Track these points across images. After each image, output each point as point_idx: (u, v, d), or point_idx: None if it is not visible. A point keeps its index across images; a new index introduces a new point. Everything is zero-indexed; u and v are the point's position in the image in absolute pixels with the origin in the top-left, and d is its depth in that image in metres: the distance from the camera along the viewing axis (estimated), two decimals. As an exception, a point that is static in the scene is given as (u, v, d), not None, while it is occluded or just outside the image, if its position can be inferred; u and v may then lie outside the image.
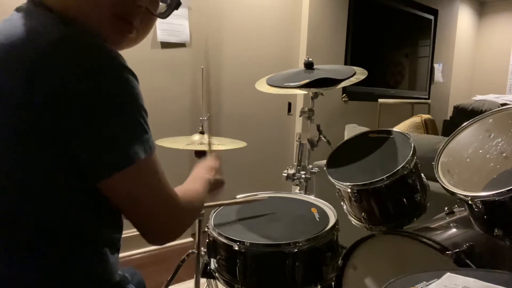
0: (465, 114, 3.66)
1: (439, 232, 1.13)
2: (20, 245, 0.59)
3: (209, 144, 1.14)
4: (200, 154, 1.30)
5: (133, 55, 0.81)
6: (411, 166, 1.16)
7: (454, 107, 3.91)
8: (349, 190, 1.20)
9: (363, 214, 1.22)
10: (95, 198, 0.60)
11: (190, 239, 2.60)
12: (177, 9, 0.72)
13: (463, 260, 0.96)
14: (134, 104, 0.57)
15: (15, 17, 0.60)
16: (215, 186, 0.91)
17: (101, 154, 0.56)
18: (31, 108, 0.52)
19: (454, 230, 1.15)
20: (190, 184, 0.80)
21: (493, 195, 0.87)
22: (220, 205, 1.24)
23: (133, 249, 2.38)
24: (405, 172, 1.15)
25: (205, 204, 1.16)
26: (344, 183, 1.19)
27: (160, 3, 0.71)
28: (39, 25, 0.57)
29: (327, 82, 1.45)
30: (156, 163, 0.61)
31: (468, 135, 1.09)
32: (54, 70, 0.52)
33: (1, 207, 0.57)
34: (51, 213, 0.58)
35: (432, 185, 1.24)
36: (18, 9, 0.62)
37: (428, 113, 2.87)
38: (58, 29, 0.55)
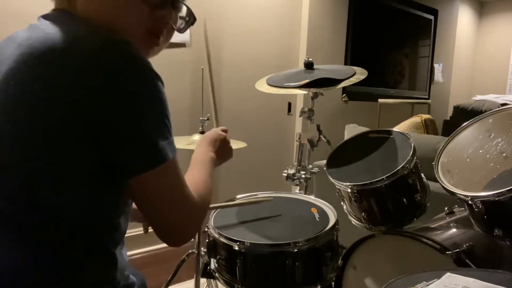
0: (465, 114, 3.66)
1: (439, 232, 1.13)
2: (33, 241, 0.60)
3: (215, 115, 1.15)
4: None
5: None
6: (411, 166, 1.16)
7: (454, 107, 3.92)
8: (349, 190, 1.20)
9: (363, 214, 1.22)
10: (116, 196, 0.65)
11: (190, 239, 2.60)
12: (193, 24, 0.80)
13: (463, 260, 0.96)
14: (164, 108, 0.62)
15: (46, 24, 0.63)
16: (223, 157, 0.93)
17: (136, 152, 0.60)
18: (75, 106, 0.56)
19: (454, 230, 1.15)
20: (197, 174, 0.80)
21: (493, 195, 0.87)
22: (225, 207, 1.24)
23: (133, 249, 2.38)
24: (405, 172, 1.15)
25: (212, 205, 1.16)
26: (344, 183, 1.19)
27: (179, 19, 0.78)
28: (79, 31, 0.61)
29: (327, 82, 1.45)
30: (178, 164, 0.65)
31: (468, 135, 1.09)
32: (99, 74, 0.57)
33: (19, 200, 0.59)
34: (70, 208, 0.60)
35: (432, 185, 1.24)
36: (45, 17, 0.66)
37: (428, 113, 2.87)
38: (101, 35, 0.60)
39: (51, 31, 0.61)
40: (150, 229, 0.91)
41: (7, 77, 0.59)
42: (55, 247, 0.61)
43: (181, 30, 0.78)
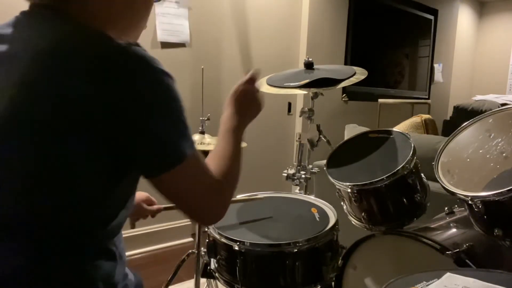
0: (465, 114, 3.66)
1: (439, 232, 1.13)
2: (35, 242, 0.60)
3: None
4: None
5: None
6: (411, 166, 1.16)
7: (454, 107, 3.92)
8: (349, 190, 1.20)
9: (363, 214, 1.22)
10: (123, 195, 0.66)
11: (190, 239, 2.60)
12: None
13: (463, 260, 0.96)
14: (180, 106, 0.63)
15: (40, 21, 0.62)
16: (251, 113, 0.88)
17: (155, 153, 0.60)
18: (90, 107, 0.56)
19: (454, 230, 1.15)
20: (224, 148, 0.80)
21: (493, 195, 0.87)
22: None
23: (133, 249, 2.37)
24: (405, 172, 1.15)
25: None
26: (344, 183, 1.19)
27: None
28: (85, 33, 0.60)
29: (327, 82, 1.45)
30: (198, 155, 0.66)
31: (468, 135, 1.09)
32: (113, 77, 0.57)
33: (25, 202, 0.58)
34: (76, 208, 0.60)
35: (432, 185, 1.24)
36: (34, 14, 0.64)
37: (428, 113, 2.87)
38: (112, 39, 0.59)
39: (54, 32, 0.60)
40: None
41: (14, 79, 0.58)
42: (58, 248, 0.61)
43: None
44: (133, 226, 1.06)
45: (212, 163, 0.72)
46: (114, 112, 0.56)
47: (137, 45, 0.61)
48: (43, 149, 0.57)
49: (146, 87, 0.59)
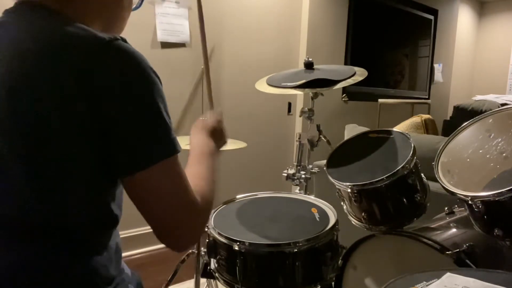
0: (465, 114, 3.66)
1: (439, 232, 1.13)
2: (31, 240, 0.60)
3: (210, 95, 1.06)
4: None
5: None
6: (411, 166, 1.16)
7: (454, 107, 3.91)
8: (349, 190, 1.20)
9: (363, 214, 1.22)
10: (113, 191, 0.64)
11: (190, 239, 2.60)
12: None
13: (463, 260, 0.96)
14: (164, 104, 0.61)
15: (31, 18, 0.61)
16: (220, 147, 0.90)
17: (131, 150, 0.58)
18: (75, 102, 0.55)
19: (454, 230, 1.15)
20: (199, 170, 0.75)
21: (493, 195, 0.87)
22: None
23: (133, 249, 2.37)
24: (405, 172, 1.15)
25: None
26: (344, 183, 1.19)
27: None
28: (73, 29, 0.59)
29: (325, 83, 1.45)
30: (179, 164, 0.62)
31: (468, 135, 1.09)
32: (99, 69, 0.56)
33: (20, 200, 0.59)
34: (70, 206, 0.60)
35: (432, 185, 1.24)
36: (21, 11, 0.63)
37: (428, 113, 2.87)
38: (96, 33, 0.59)
39: (38, 29, 0.59)
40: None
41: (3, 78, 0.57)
42: (52, 244, 0.60)
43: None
44: None
45: (190, 180, 0.66)
46: (99, 105, 0.56)
47: (123, 40, 0.59)
48: (32, 148, 0.57)
49: (130, 81, 0.58)
